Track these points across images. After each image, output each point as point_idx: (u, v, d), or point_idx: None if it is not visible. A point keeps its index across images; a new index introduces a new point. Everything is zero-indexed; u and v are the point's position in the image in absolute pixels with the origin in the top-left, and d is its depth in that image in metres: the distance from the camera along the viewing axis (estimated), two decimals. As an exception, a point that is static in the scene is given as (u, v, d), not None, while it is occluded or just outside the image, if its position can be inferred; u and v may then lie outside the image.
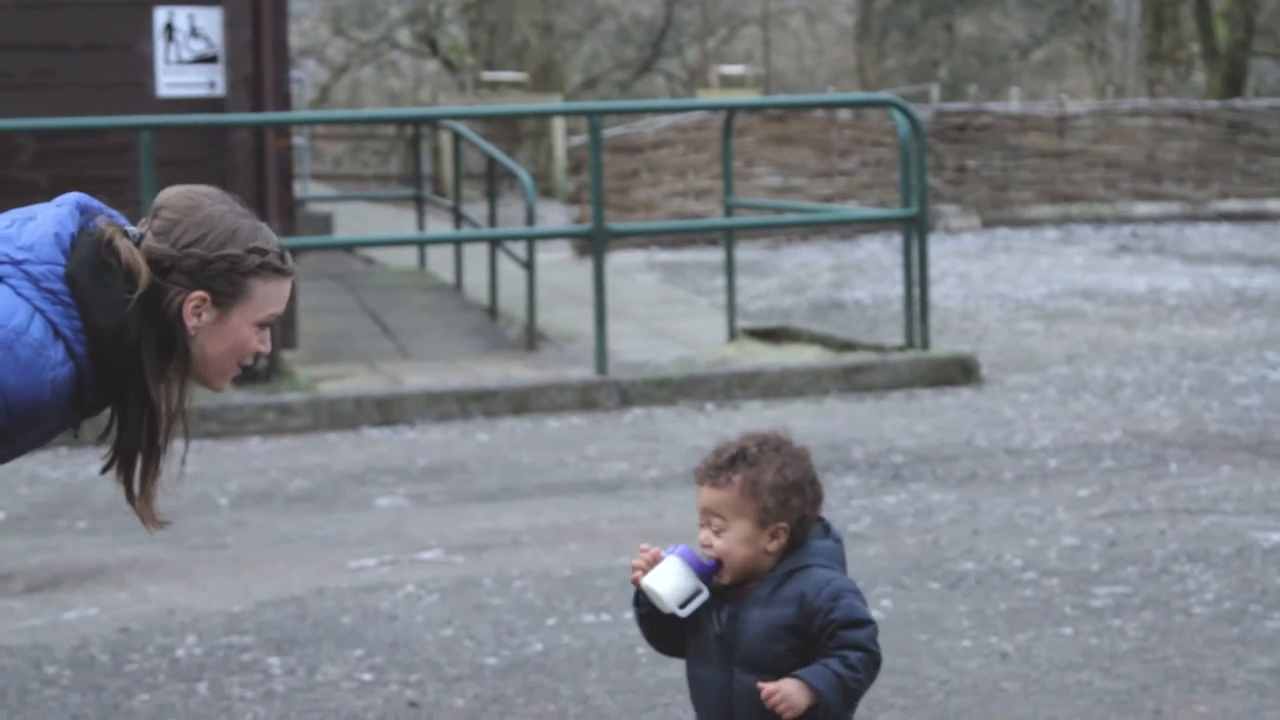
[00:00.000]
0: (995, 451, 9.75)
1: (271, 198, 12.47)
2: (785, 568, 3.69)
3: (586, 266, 15.43)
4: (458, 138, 16.77)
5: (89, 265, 3.40)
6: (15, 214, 3.52)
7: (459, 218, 16.66)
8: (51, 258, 3.39)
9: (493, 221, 15.82)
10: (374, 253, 18.28)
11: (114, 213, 3.56)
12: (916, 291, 12.30)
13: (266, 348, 3.58)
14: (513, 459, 10.04)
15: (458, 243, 16.11)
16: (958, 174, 22.44)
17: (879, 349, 12.51)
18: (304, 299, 13.53)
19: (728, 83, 31.98)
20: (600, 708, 5.92)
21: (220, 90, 12.43)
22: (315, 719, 5.88)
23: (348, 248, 17.95)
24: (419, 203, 18.18)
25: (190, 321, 3.47)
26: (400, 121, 23.43)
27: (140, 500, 3.57)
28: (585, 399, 11.52)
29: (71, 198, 3.52)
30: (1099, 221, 22.71)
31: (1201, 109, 24.50)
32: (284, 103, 12.82)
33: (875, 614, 6.77)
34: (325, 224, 18.99)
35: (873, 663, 3.64)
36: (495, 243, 14.74)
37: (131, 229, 3.49)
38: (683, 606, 3.66)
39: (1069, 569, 7.38)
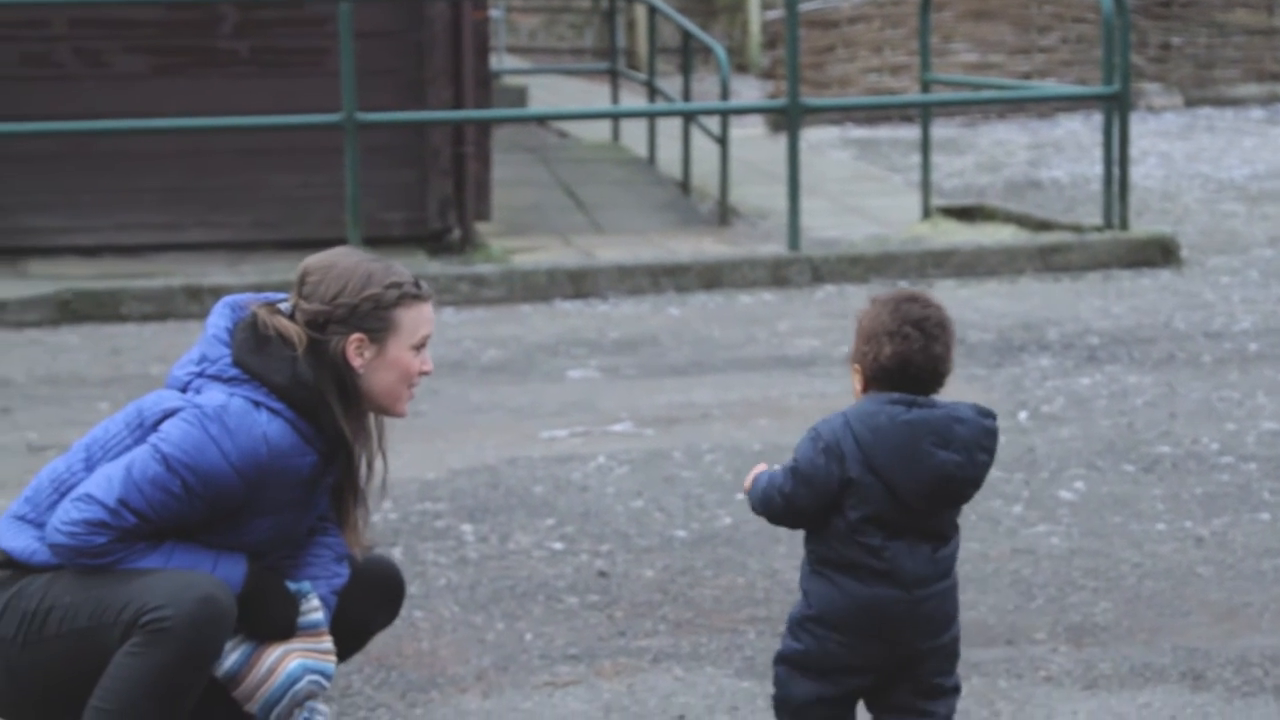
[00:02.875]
0: (1194, 334, 9.60)
1: (467, 70, 12.51)
2: None
3: (780, 142, 15.33)
4: (653, 11, 16.70)
5: (248, 345, 3.98)
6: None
7: (653, 92, 16.61)
8: (219, 355, 4.02)
9: (687, 96, 15.75)
10: (568, 126, 18.29)
11: (267, 295, 4.11)
12: (1116, 171, 12.09)
13: (430, 366, 4.10)
14: (704, 333, 10.05)
15: (651, 117, 16.08)
16: (1161, 51, 21.98)
17: (1076, 229, 12.34)
18: (498, 172, 13.59)
19: (926, -43, 31.49)
20: (788, 582, 5.94)
21: (418, -38, 12.46)
22: (507, 585, 5.96)
23: (542, 121, 17.99)
24: (613, 76, 18.14)
25: (355, 361, 4.00)
26: (595, -5, 23.41)
27: (347, 529, 4.14)
28: (777, 275, 11.49)
29: (221, 300, 4.10)
30: (1307, 101, 22.12)
31: None
32: (481, -25, 12.83)
33: (1067, 495, 6.75)
34: (520, 97, 19.02)
35: (770, 489, 4.07)
36: (689, 117, 14.68)
37: (284, 305, 4.03)
38: None
39: (1268, 454, 7.26)
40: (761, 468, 4.17)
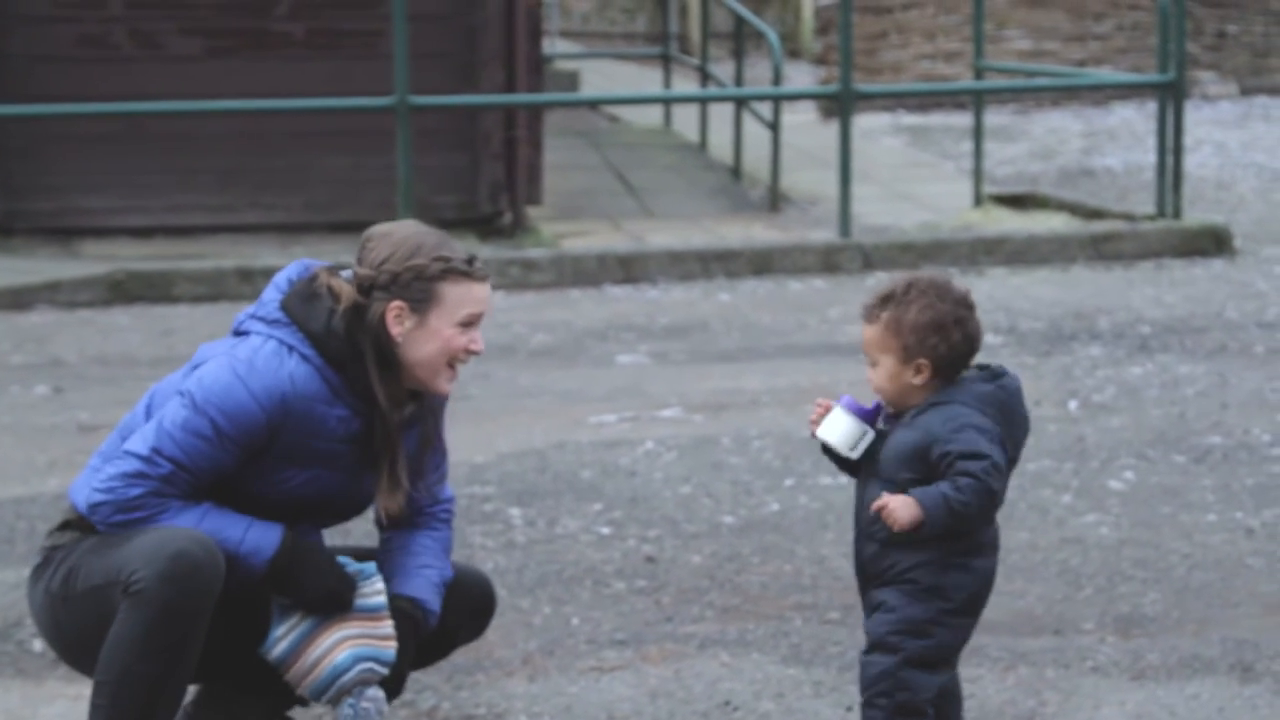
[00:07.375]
0: (1247, 324, 9.55)
1: (520, 54, 12.52)
2: (932, 400, 4.04)
3: (832, 128, 15.29)
4: (706, -4, 16.67)
5: (299, 294, 4.07)
6: None
7: (705, 77, 16.59)
8: (273, 299, 4.10)
9: (739, 81, 15.73)
10: (619, 111, 18.29)
11: (339, 263, 4.17)
12: (1170, 159, 12.03)
13: (479, 346, 4.08)
14: (753, 319, 10.05)
15: (703, 102, 16.06)
16: (1217, 39, 21.85)
17: (1129, 217, 12.29)
18: (549, 156, 13.60)
19: (981, -57, 31.31)
20: (835, 569, 5.94)
21: (471, -55, 12.47)
22: (554, 570, 5.97)
23: (593, 105, 17.99)
24: (665, 61, 18.12)
25: (394, 329, 4.02)
26: (648, -21, 23.40)
27: (379, 491, 4.11)
28: (828, 261, 11.48)
29: (296, 261, 4.19)
30: (1364, 91, 21.94)
31: None
32: (534, -42, 12.83)
33: (1116, 485, 6.72)
34: (572, 81, 19.02)
35: (983, 490, 3.94)
36: (741, 103, 14.67)
37: (346, 271, 4.10)
38: (853, 449, 4.07)
39: (1320, 446, 7.22)
40: (898, 499, 3.99)
